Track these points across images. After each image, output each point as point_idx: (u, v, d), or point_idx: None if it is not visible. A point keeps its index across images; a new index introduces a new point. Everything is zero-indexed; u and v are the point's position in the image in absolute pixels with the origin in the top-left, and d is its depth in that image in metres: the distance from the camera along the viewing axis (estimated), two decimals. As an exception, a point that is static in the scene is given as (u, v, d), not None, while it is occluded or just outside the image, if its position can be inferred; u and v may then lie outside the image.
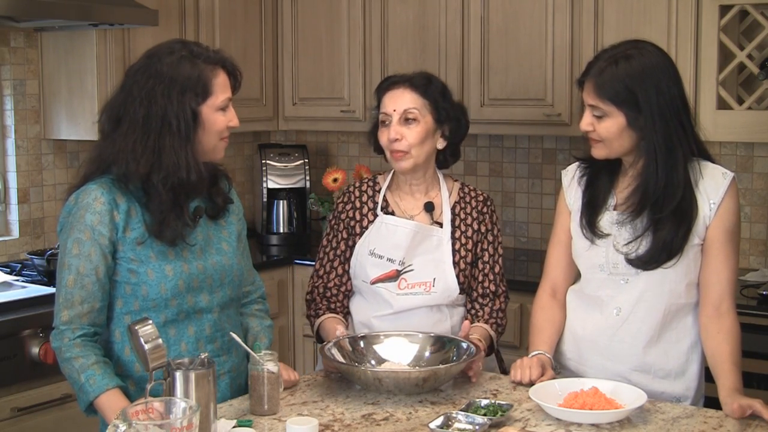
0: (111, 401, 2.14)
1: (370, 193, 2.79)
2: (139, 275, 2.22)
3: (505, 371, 2.73)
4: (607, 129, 2.34)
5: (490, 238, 2.76)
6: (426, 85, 2.69)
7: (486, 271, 2.75)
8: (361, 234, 2.74)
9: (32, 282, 3.46)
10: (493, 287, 2.74)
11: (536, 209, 4.34)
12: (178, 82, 2.20)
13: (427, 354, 2.50)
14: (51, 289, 3.20)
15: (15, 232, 3.88)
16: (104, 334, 2.27)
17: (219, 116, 2.26)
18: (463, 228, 2.73)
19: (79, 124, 3.80)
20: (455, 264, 2.69)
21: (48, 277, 3.46)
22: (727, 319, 2.34)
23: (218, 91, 2.25)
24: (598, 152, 2.40)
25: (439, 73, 4.08)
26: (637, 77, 2.29)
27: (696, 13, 3.52)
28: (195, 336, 2.29)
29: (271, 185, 4.57)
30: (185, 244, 2.27)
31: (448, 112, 2.70)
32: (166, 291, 2.23)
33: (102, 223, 2.19)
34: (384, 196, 2.77)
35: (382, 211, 2.74)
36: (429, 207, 2.73)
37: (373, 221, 2.74)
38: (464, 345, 2.46)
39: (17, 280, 3.48)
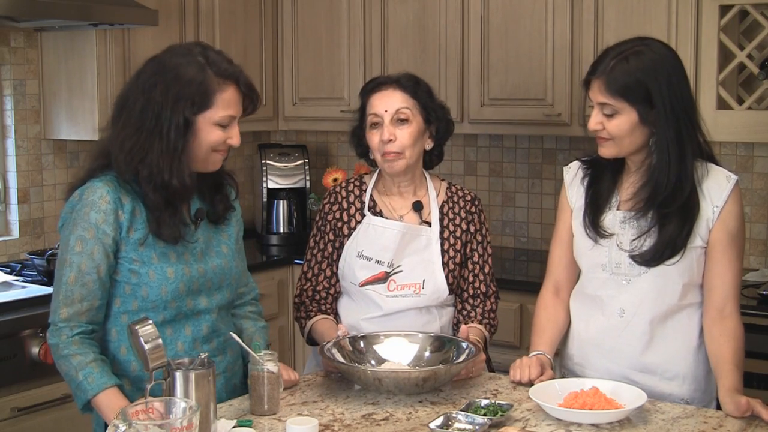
0: (109, 400, 2.13)
1: (357, 192, 2.77)
2: (140, 276, 2.21)
3: (493, 370, 2.73)
4: (619, 126, 2.32)
5: (479, 238, 2.76)
6: (414, 85, 2.67)
7: (476, 271, 2.74)
8: (348, 235, 2.72)
9: (32, 282, 3.46)
10: (483, 288, 2.74)
11: (536, 209, 4.34)
12: (177, 84, 2.16)
13: (427, 354, 2.50)
14: (51, 289, 3.19)
15: (15, 232, 3.88)
16: (103, 334, 2.27)
17: (214, 130, 2.21)
18: (451, 228, 2.73)
19: (79, 124, 3.80)
20: (444, 264, 2.68)
21: (48, 277, 3.46)
22: (730, 322, 2.34)
23: (220, 106, 2.19)
24: (608, 151, 2.38)
25: (439, 73, 4.09)
26: (649, 72, 2.28)
27: (696, 13, 3.52)
28: (192, 336, 2.28)
29: (271, 185, 4.57)
30: (187, 243, 2.26)
31: (436, 113, 2.69)
32: (167, 293, 2.22)
33: (106, 222, 2.17)
34: (371, 195, 2.75)
35: (369, 211, 2.72)
36: (418, 206, 2.72)
37: (360, 222, 2.72)
38: (464, 345, 2.45)
39: (17, 280, 3.47)
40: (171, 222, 2.21)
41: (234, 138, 2.25)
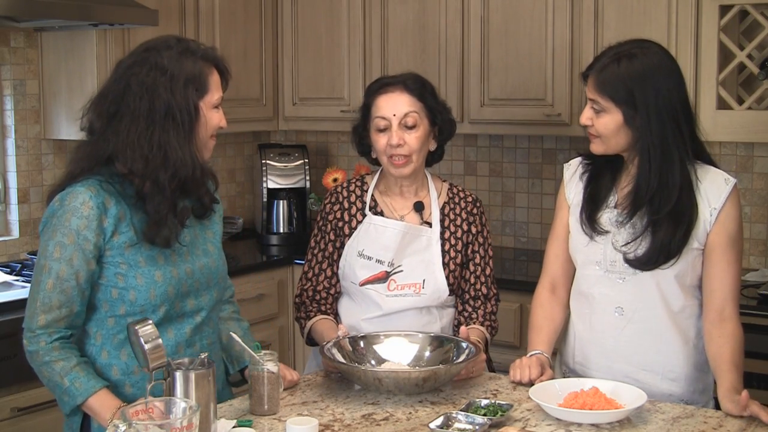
0: (102, 401, 2.12)
1: (358, 192, 2.77)
2: (127, 279, 2.17)
3: (494, 370, 2.73)
4: (605, 125, 2.35)
5: (481, 240, 2.76)
6: (421, 87, 2.67)
7: (477, 273, 2.74)
8: (349, 235, 2.72)
9: (32, 282, 3.45)
10: (484, 290, 2.74)
11: (536, 209, 4.34)
12: (181, 76, 2.17)
13: (427, 354, 2.50)
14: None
15: (15, 232, 3.88)
16: (83, 336, 2.23)
17: (214, 113, 2.24)
18: (452, 228, 2.73)
19: (79, 124, 3.80)
20: (445, 265, 2.68)
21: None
22: (729, 324, 2.34)
23: (213, 89, 2.23)
24: (596, 148, 2.41)
25: (439, 73, 4.09)
26: (637, 77, 2.30)
27: (696, 13, 3.52)
28: (175, 340, 2.24)
29: (271, 185, 4.57)
30: (177, 245, 2.22)
31: (441, 114, 2.69)
32: (156, 297, 2.19)
33: (89, 228, 2.13)
34: (372, 195, 2.75)
35: (370, 211, 2.72)
36: (419, 206, 2.72)
37: (361, 221, 2.72)
38: (464, 345, 2.45)
39: (17, 280, 3.47)
40: (172, 224, 2.18)
41: (223, 120, 2.29)
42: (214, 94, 2.24)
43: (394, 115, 2.63)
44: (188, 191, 2.23)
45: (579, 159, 2.56)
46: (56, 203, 2.17)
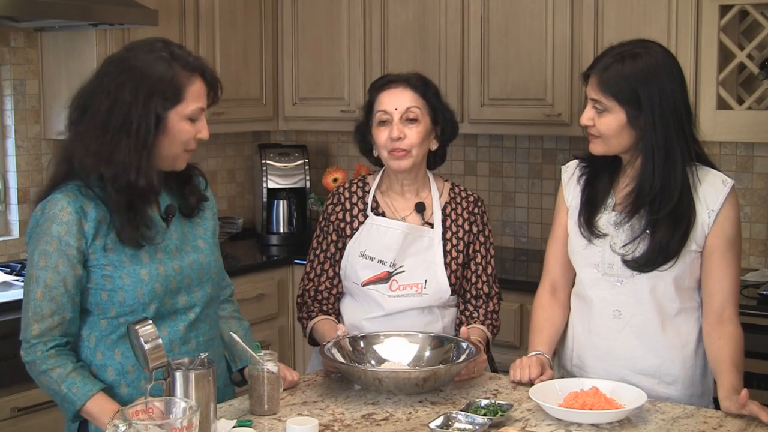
0: (99, 405, 2.12)
1: (360, 194, 2.77)
2: (114, 280, 2.17)
3: (496, 370, 2.73)
4: (607, 125, 2.34)
5: (482, 239, 2.76)
6: (424, 86, 2.69)
7: (479, 272, 2.74)
8: (351, 235, 2.72)
9: (32, 282, 3.45)
10: (486, 289, 2.74)
11: (536, 209, 4.34)
12: (148, 82, 2.12)
13: (427, 354, 2.50)
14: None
15: (15, 232, 3.88)
16: (77, 339, 2.22)
17: (185, 125, 2.18)
18: (454, 229, 2.73)
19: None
20: (447, 265, 2.69)
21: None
22: (729, 326, 2.34)
23: (190, 100, 2.17)
24: (596, 148, 2.40)
25: (439, 73, 4.09)
26: (642, 77, 2.30)
27: (696, 13, 3.52)
28: (169, 337, 2.23)
29: (271, 185, 4.57)
30: (156, 246, 2.21)
31: (443, 114, 2.70)
32: (143, 295, 2.18)
33: (69, 233, 2.13)
34: (374, 196, 2.76)
35: (372, 212, 2.73)
36: (420, 207, 2.72)
37: (363, 222, 2.72)
38: (464, 345, 2.45)
39: (17, 280, 3.47)
40: (131, 226, 2.16)
41: (203, 131, 2.22)
42: (190, 104, 2.17)
43: (396, 109, 2.64)
44: (141, 197, 2.17)
45: (576, 161, 2.55)
46: (38, 213, 2.18)
